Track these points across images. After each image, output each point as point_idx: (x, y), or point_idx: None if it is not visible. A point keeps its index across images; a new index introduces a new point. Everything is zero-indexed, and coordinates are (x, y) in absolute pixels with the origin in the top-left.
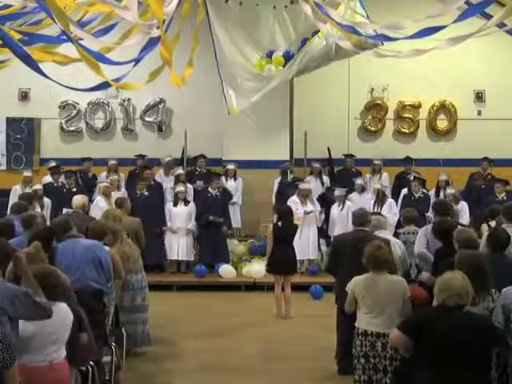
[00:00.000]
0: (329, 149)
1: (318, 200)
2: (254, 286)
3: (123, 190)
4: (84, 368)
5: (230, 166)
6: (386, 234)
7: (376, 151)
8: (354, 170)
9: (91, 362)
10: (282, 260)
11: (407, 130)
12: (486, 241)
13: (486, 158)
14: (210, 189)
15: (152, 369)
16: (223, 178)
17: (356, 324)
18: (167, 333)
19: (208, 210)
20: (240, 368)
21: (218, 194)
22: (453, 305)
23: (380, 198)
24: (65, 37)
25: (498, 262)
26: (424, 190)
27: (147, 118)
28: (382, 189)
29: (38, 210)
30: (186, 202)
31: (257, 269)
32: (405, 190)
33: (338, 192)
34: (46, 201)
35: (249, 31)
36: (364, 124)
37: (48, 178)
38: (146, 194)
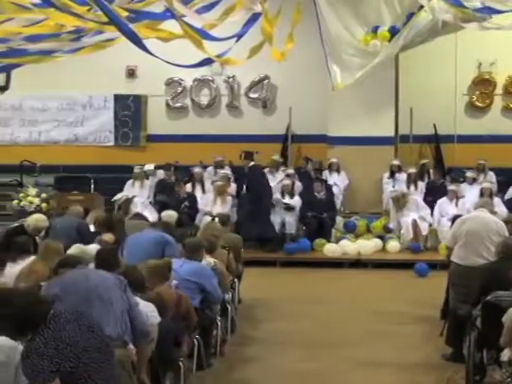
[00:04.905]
0: (435, 125)
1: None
2: (357, 263)
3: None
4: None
5: (334, 160)
6: (486, 212)
7: (484, 128)
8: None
9: (197, 336)
10: None
11: None
12: None
13: None
14: (315, 192)
15: (253, 346)
16: (327, 172)
17: None
18: (269, 310)
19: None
20: (343, 343)
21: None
22: None
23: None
24: (169, 13)
25: None
26: None
27: (252, 95)
28: (491, 187)
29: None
30: (292, 196)
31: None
32: None
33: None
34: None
35: (354, 6)
36: (471, 100)
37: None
38: None
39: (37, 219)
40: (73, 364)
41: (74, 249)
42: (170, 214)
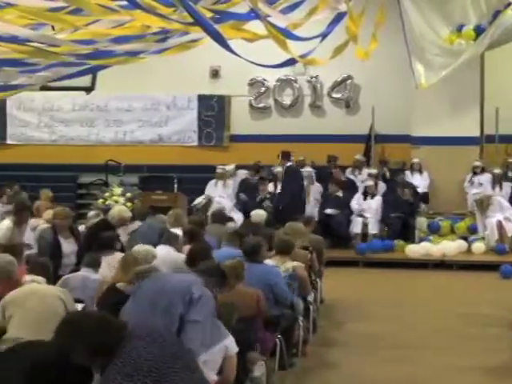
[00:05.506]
0: None
1: None
2: (442, 265)
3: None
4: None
5: (415, 160)
6: None
7: None
8: None
9: (279, 335)
10: None
11: None
12: None
13: None
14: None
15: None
16: (408, 173)
17: None
18: (350, 310)
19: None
20: (425, 346)
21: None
22: None
23: None
24: (253, 14)
25: None
26: None
27: (335, 95)
28: None
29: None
30: (373, 196)
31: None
32: None
33: None
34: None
35: (439, 5)
36: None
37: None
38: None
39: (120, 210)
40: (154, 378)
41: (140, 249)
42: (260, 214)
